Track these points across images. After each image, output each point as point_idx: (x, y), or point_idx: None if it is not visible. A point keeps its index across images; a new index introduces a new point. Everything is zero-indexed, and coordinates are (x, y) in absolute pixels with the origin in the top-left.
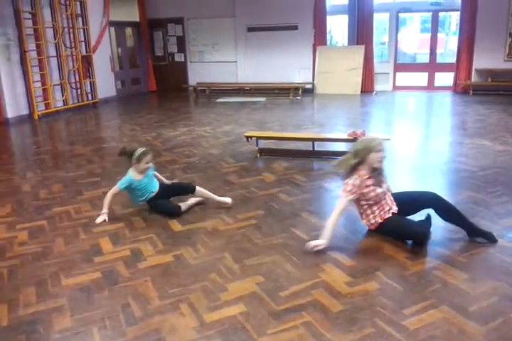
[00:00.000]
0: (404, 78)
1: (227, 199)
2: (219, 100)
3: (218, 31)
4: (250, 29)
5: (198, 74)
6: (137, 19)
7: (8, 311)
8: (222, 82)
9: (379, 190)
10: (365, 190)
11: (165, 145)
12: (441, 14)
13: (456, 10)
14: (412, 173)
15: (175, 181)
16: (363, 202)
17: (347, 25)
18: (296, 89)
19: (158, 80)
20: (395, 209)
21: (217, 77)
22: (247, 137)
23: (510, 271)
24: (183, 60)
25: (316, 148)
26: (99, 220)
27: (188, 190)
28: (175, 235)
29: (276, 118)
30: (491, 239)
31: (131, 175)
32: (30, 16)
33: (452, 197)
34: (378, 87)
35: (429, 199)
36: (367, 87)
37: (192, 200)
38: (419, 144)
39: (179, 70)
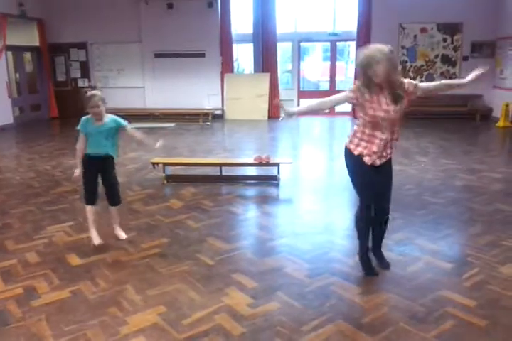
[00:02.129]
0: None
1: (122, 235)
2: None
3: (124, 56)
4: (157, 55)
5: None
6: (37, 43)
7: None
8: (129, 107)
9: (379, 114)
10: (366, 104)
11: (65, 174)
12: (339, 44)
13: (353, 40)
14: (314, 193)
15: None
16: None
17: (252, 54)
18: (206, 114)
19: (61, 106)
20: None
21: (124, 102)
22: (153, 164)
23: (399, 282)
24: (86, 85)
25: (224, 173)
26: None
27: (113, 202)
28: (72, 269)
29: (185, 144)
30: (384, 265)
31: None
32: None
33: (346, 214)
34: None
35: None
36: (274, 113)
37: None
38: (322, 166)
39: (83, 96)
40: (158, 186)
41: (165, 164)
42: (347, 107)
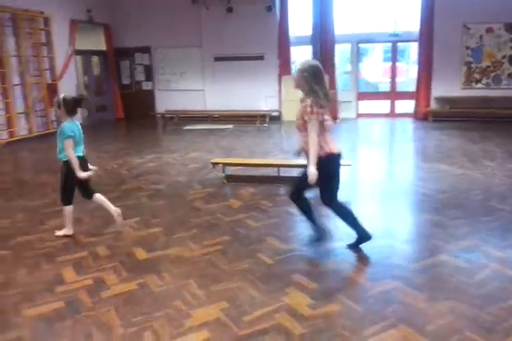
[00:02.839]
0: (367, 106)
1: (116, 211)
2: (187, 127)
3: (185, 60)
4: (217, 58)
5: (166, 102)
6: (104, 48)
7: None
8: (190, 109)
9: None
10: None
11: (131, 173)
12: (400, 44)
13: (415, 41)
14: (373, 197)
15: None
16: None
17: (311, 56)
18: (263, 116)
19: (126, 108)
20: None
21: (185, 104)
22: (214, 164)
23: (465, 290)
24: (150, 88)
25: (281, 174)
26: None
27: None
28: (139, 263)
29: (244, 145)
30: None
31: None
32: None
33: (412, 219)
34: (342, 114)
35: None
36: (331, 115)
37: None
38: (382, 169)
39: (146, 98)
40: (218, 185)
41: (225, 164)
42: (408, 108)
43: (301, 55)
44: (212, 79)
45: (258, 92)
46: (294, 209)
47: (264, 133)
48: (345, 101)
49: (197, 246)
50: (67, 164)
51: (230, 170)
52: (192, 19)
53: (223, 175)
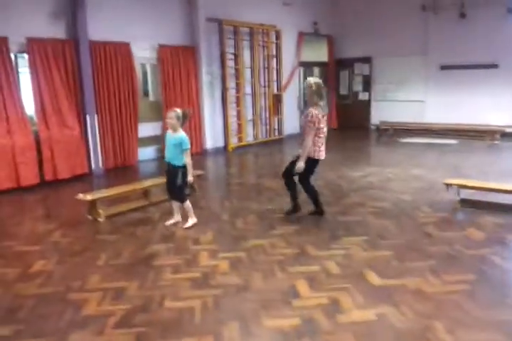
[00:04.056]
0: None
1: (187, 224)
2: (403, 140)
3: (407, 69)
4: (443, 67)
5: (381, 113)
6: (325, 59)
7: None
8: (407, 121)
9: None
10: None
11: (350, 186)
12: None
13: None
14: None
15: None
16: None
17: None
18: (494, 132)
19: (340, 118)
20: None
21: (401, 116)
22: (447, 185)
23: None
24: (367, 98)
25: None
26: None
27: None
28: (374, 289)
29: (471, 164)
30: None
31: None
32: (232, 57)
33: None
34: None
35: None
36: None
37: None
38: None
39: (362, 109)
40: (451, 210)
41: (460, 186)
42: None
43: None
44: (435, 90)
45: (488, 105)
46: None
47: (495, 152)
48: None
49: (437, 281)
50: (184, 169)
51: (465, 194)
52: (418, 26)
53: (458, 198)
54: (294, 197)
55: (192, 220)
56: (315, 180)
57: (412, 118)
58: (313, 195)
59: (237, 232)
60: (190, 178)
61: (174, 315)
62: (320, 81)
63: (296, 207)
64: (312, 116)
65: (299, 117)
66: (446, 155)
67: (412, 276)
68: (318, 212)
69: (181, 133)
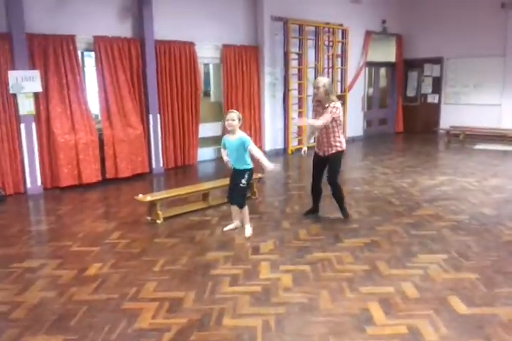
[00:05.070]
0: None
1: (247, 232)
2: (477, 147)
3: (482, 71)
4: None
5: (452, 117)
6: (393, 59)
7: None
8: (480, 126)
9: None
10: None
11: (423, 196)
12: None
13: None
14: None
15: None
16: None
17: None
18: None
19: (406, 121)
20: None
21: (474, 120)
22: None
23: None
24: (436, 101)
25: None
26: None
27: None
28: (460, 319)
29: None
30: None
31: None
32: (296, 57)
33: None
34: None
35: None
36: None
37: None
38: None
39: (430, 112)
40: None
41: None
42: None
43: None
44: None
45: None
46: None
47: None
48: None
49: None
50: (250, 170)
51: None
52: (496, 25)
53: None
54: (319, 199)
55: (249, 227)
56: (384, 187)
57: (486, 123)
58: (342, 196)
59: (299, 243)
60: (271, 166)
61: (233, 335)
62: (328, 79)
63: (317, 208)
64: (338, 109)
65: (363, 119)
66: None
67: (503, 305)
68: (344, 215)
69: (241, 134)
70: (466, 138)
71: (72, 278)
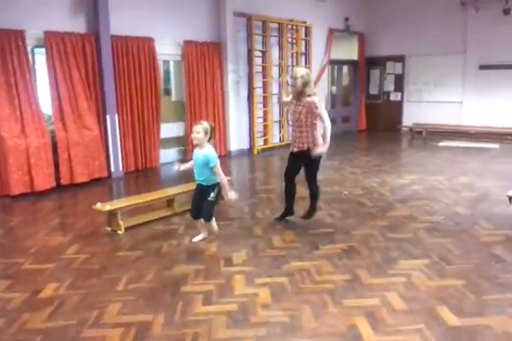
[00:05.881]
0: None
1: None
2: (441, 144)
3: (443, 69)
4: (483, 67)
5: (414, 114)
6: (355, 57)
7: None
8: (442, 123)
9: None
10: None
11: (394, 195)
12: None
13: None
14: None
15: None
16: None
17: None
18: None
19: (369, 119)
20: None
21: (435, 118)
22: (510, 198)
23: None
24: (399, 98)
25: None
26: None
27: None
28: (451, 331)
29: None
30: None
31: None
32: (260, 54)
33: None
34: None
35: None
36: None
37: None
38: None
39: (393, 110)
40: None
41: None
42: None
43: None
44: (473, 90)
45: None
46: None
47: None
48: None
49: None
50: (217, 187)
51: None
52: (456, 24)
53: None
54: (292, 201)
55: (204, 234)
56: (353, 188)
57: (448, 120)
58: (318, 194)
59: (274, 251)
60: (233, 197)
61: None
62: (307, 69)
63: (291, 211)
64: (321, 106)
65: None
66: (491, 160)
67: (493, 314)
68: (310, 212)
69: (208, 150)
70: (428, 136)
71: (24, 302)
